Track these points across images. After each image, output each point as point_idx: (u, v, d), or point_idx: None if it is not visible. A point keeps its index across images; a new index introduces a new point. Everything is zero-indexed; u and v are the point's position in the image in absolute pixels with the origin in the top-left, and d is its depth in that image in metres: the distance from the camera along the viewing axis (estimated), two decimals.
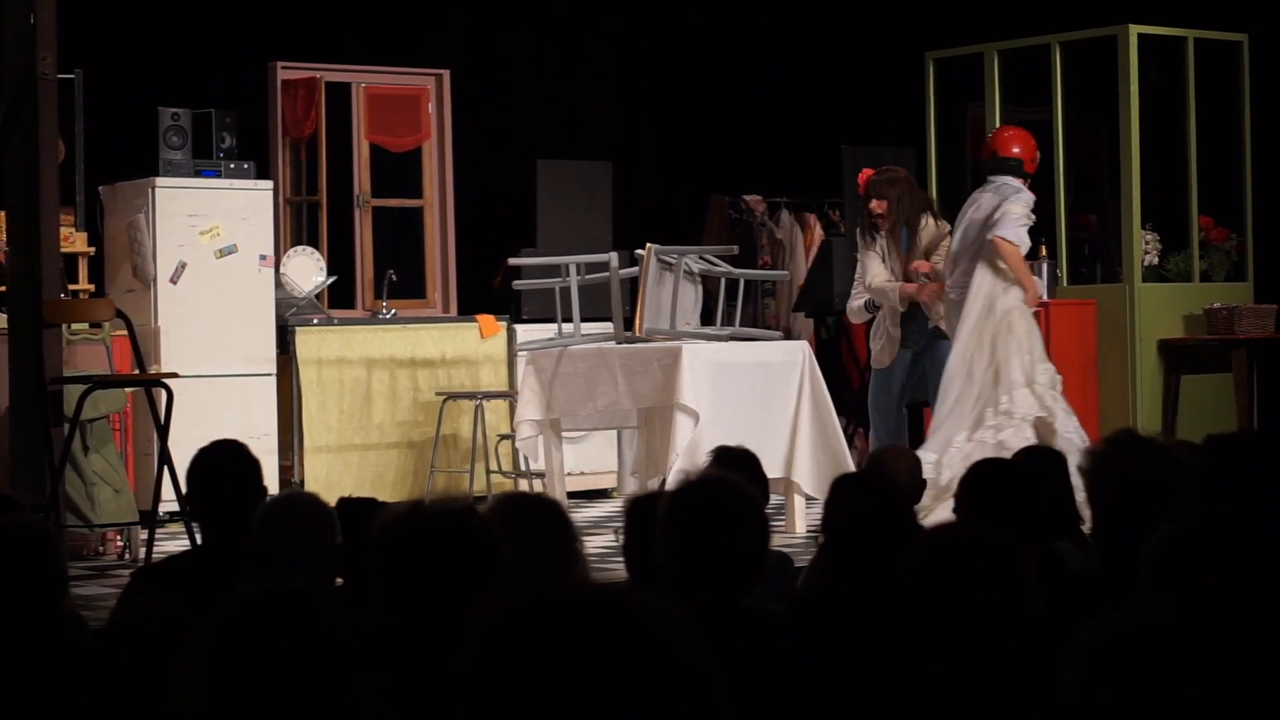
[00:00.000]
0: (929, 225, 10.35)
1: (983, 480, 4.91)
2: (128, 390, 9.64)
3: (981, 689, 3.12)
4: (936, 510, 8.82)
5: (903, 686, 3.26)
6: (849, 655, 3.72)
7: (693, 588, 3.74)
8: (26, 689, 3.98)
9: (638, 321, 10.16)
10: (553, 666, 2.02)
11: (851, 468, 9.60)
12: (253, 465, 5.47)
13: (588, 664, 2.02)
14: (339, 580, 5.15)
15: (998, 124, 12.33)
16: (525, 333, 11.78)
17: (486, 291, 12.75)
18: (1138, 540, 3.41)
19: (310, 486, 10.92)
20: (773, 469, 9.75)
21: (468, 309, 12.62)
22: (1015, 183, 10.05)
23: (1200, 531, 3.33)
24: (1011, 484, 4.86)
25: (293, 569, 4.72)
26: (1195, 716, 2.20)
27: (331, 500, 5.34)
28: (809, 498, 9.85)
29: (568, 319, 10.21)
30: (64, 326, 8.76)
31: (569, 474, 10.86)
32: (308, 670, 2.99)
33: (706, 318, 10.78)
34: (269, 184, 11.50)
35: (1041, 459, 5.41)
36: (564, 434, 10.48)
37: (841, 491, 4.66)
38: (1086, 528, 4.81)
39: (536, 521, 4.08)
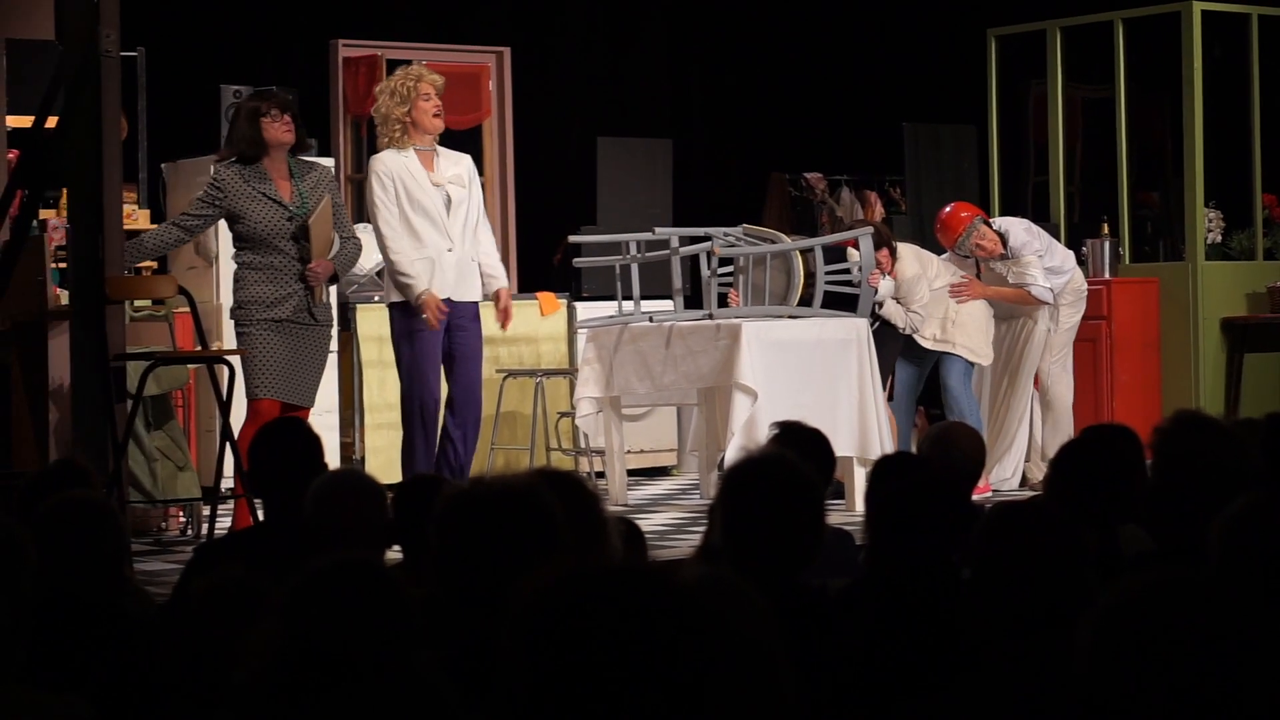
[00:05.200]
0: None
1: (1072, 459, 4.89)
2: (190, 367, 9.68)
3: (1038, 668, 3.11)
4: None
5: (957, 665, 3.25)
6: (902, 633, 3.72)
7: (747, 564, 3.74)
8: (84, 661, 4.02)
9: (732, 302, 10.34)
10: (592, 643, 2.03)
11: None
12: (314, 442, 5.50)
13: (627, 640, 2.02)
14: (399, 555, 5.17)
15: (1060, 101, 12.28)
16: (585, 310, 11.77)
17: (547, 269, 12.76)
18: (1195, 523, 3.38)
19: (371, 463, 10.95)
20: (841, 447, 9.74)
21: (528, 287, 12.63)
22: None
23: (1271, 508, 3.30)
24: (1099, 464, 4.82)
25: (350, 544, 4.74)
26: (1206, 683, 2.19)
27: (390, 477, 5.36)
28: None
29: (628, 297, 10.22)
30: (127, 303, 8.81)
31: (629, 452, 10.86)
32: (378, 641, 3.01)
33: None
34: (330, 161, 11.52)
35: (1127, 440, 5.32)
36: (624, 411, 10.49)
37: (882, 473, 4.66)
38: None
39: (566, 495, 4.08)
